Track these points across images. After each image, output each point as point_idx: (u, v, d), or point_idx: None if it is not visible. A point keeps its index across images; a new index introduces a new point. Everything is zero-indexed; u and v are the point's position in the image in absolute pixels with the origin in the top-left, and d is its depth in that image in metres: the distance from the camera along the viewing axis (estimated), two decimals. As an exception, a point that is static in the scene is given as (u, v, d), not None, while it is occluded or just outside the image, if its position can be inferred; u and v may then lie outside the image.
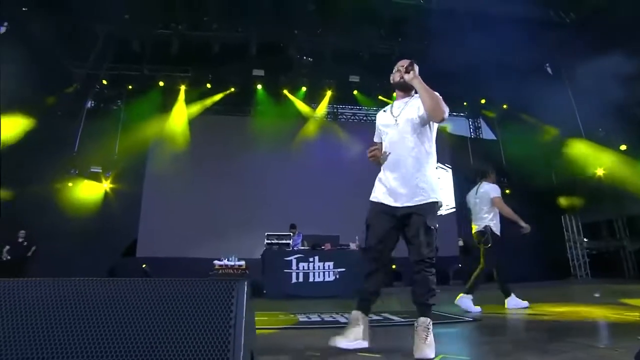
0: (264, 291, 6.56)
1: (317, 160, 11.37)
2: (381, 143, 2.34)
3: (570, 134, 10.42)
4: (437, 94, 2.11)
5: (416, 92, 2.23)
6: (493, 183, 4.42)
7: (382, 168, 2.31)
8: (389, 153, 2.24)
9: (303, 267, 6.74)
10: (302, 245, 7.16)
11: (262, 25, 9.95)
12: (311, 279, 6.67)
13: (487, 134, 13.64)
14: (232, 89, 11.80)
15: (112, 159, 10.57)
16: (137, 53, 10.36)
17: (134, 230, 10.16)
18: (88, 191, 10.00)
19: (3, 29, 8.60)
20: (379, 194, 2.27)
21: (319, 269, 6.72)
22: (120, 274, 9.19)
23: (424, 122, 2.20)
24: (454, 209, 11.59)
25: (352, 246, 7.07)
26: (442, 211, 10.97)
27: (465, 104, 13.15)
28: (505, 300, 4.14)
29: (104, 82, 11.40)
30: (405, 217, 2.14)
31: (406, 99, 2.32)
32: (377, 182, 2.34)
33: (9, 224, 8.27)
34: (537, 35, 9.81)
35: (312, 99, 12.31)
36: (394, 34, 10.53)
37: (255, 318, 3.64)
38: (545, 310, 3.91)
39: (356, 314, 2.15)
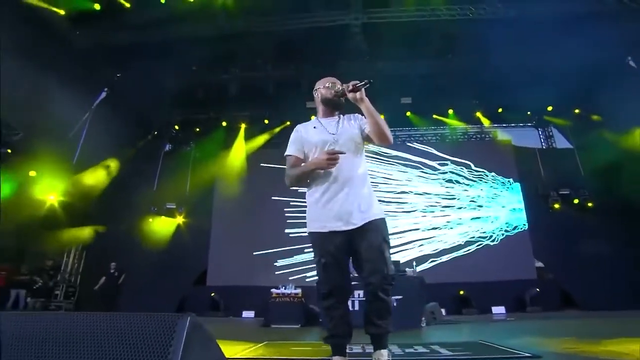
0: (320, 320, 6.55)
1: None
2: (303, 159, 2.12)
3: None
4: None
5: (341, 113, 2.20)
6: None
7: (318, 190, 2.05)
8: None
9: (359, 295, 6.54)
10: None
11: (311, 61, 10.48)
12: (368, 307, 6.50)
13: (561, 142, 12.35)
14: (288, 123, 12.40)
15: (184, 195, 11.66)
16: (202, 98, 11.57)
17: (204, 261, 10.90)
18: (163, 226, 11.08)
19: (104, 94, 10.25)
20: (324, 220, 2.00)
21: (375, 296, 6.53)
22: (191, 302, 9.89)
23: (361, 143, 2.13)
24: (526, 227, 10.49)
25: (409, 272, 6.83)
26: (513, 230, 9.86)
27: (529, 113, 12.19)
28: None
29: (176, 127, 12.86)
30: (358, 236, 1.97)
31: (335, 118, 2.20)
32: (315, 208, 2.05)
33: (100, 256, 9.55)
34: (612, 29, 8.82)
35: (365, 124, 12.36)
36: (444, 51, 10.33)
37: (297, 348, 3.68)
38: (629, 349, 3.05)
39: (339, 359, 1.99)
